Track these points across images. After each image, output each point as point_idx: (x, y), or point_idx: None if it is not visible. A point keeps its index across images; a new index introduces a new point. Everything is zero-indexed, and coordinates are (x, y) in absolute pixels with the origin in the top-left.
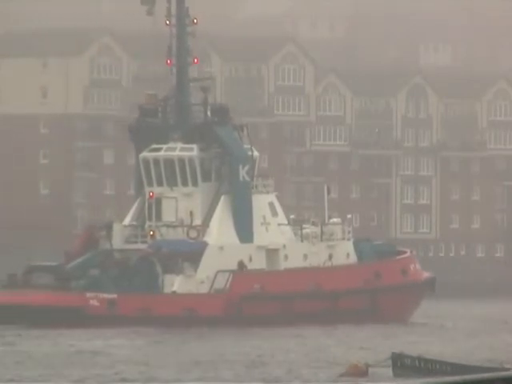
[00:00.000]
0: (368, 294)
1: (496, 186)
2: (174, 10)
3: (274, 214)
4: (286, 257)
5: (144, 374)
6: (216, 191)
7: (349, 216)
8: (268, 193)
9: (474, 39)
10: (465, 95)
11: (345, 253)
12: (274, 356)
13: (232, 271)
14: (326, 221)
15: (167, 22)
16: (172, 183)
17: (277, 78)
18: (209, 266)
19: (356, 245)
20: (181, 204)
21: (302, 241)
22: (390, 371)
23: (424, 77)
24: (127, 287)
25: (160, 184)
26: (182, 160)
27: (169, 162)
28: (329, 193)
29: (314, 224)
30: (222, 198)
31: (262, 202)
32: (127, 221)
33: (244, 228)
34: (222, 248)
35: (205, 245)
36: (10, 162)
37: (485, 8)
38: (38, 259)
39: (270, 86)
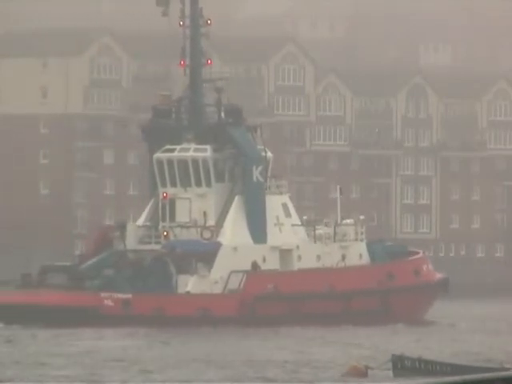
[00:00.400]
0: (381, 294)
1: (496, 186)
2: (187, 11)
3: (288, 214)
4: (299, 257)
5: (157, 375)
6: (229, 192)
7: (361, 217)
8: (281, 193)
9: (473, 39)
10: (465, 95)
11: (358, 253)
12: (273, 356)
13: (246, 271)
14: (339, 222)
15: (181, 23)
16: (186, 184)
17: (277, 78)
18: (223, 266)
19: (368, 246)
20: (194, 205)
21: (315, 241)
22: (390, 373)
23: (424, 77)
24: (141, 287)
25: (174, 185)
26: (195, 161)
27: (182, 163)
28: (341, 194)
29: (326, 225)
30: (236, 198)
31: (276, 203)
32: (141, 221)
33: (257, 228)
34: (235, 248)
35: (218, 245)
36: (10, 162)
37: (485, 8)
38: (37, 259)
39: (269, 85)
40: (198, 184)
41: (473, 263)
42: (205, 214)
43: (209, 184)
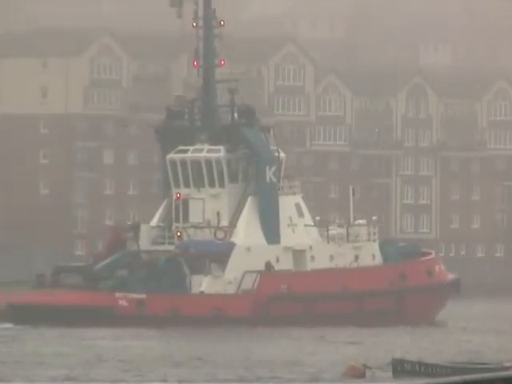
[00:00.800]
0: (394, 295)
1: (496, 186)
2: (200, 12)
3: (301, 215)
4: (312, 258)
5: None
6: (243, 192)
7: (374, 217)
8: (294, 194)
9: (473, 39)
10: (465, 95)
11: (370, 254)
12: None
13: (259, 272)
14: (352, 222)
15: (194, 24)
16: (199, 184)
17: (277, 78)
18: (236, 266)
19: (381, 246)
20: (208, 205)
21: (328, 242)
22: (390, 373)
23: (424, 77)
24: (155, 288)
25: (187, 185)
26: (208, 161)
27: (196, 164)
28: (354, 194)
29: (339, 225)
30: (249, 199)
31: (289, 203)
32: (154, 222)
33: (271, 229)
34: (249, 249)
35: (232, 245)
36: (10, 162)
37: (485, 8)
38: (37, 259)
39: (269, 85)
40: (212, 184)
41: (473, 263)
42: (218, 214)
43: (222, 184)
